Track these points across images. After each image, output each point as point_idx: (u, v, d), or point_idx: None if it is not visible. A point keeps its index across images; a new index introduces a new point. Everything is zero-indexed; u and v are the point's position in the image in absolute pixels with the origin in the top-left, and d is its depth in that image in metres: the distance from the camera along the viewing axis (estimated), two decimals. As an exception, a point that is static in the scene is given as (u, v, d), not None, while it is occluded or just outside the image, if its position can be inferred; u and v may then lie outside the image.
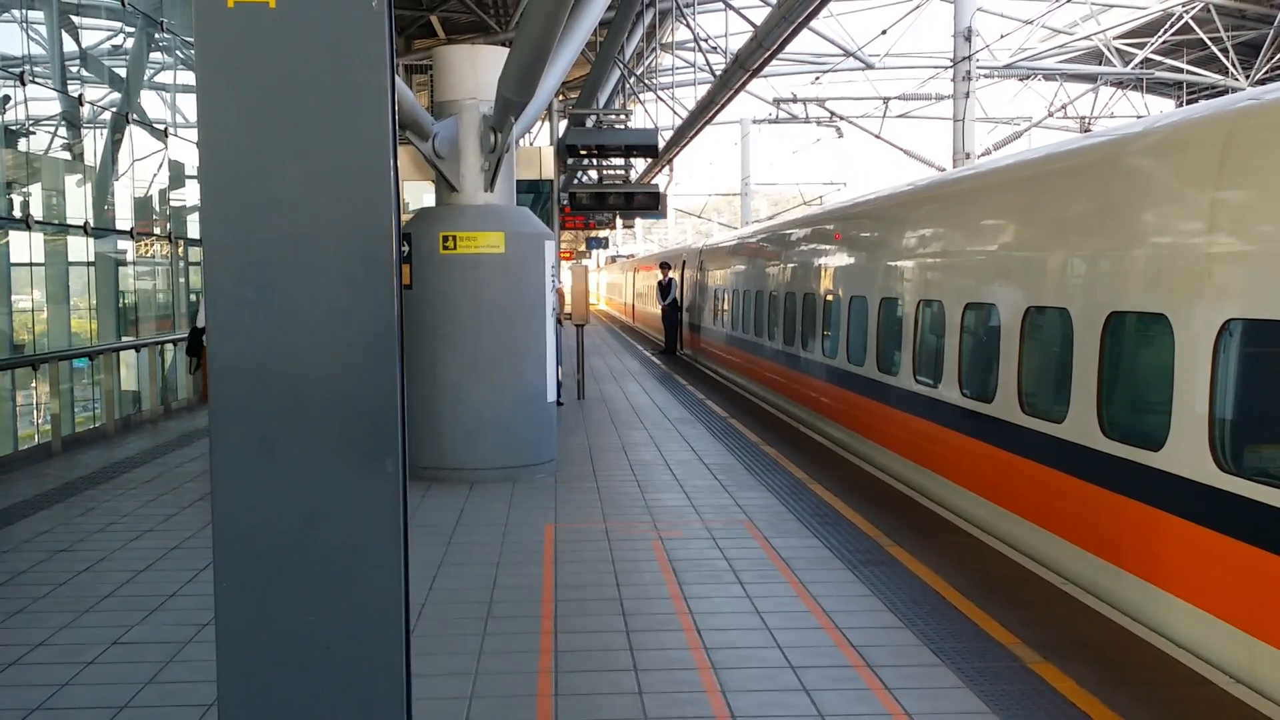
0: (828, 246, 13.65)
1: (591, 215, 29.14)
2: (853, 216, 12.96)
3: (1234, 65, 27.06)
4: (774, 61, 16.26)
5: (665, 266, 27.84)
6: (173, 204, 16.24)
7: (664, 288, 26.98)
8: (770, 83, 30.71)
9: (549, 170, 18.46)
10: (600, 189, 20.72)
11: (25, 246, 11.68)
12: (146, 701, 4.98)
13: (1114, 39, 29.91)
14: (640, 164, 25.36)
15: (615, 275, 56.67)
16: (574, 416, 14.09)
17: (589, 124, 18.85)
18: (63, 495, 9.44)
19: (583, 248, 51.38)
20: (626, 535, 7.92)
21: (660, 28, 21.26)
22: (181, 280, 16.18)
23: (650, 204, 19.84)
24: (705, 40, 20.84)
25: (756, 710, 4.83)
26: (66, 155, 13.17)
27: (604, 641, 5.69)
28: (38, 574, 7.04)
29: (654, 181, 28.71)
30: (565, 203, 19.99)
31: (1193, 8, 26.34)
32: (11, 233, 11.42)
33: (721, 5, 18.96)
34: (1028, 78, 30.94)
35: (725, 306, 21.04)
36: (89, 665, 5.42)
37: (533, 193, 18.00)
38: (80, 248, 12.96)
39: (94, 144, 13.62)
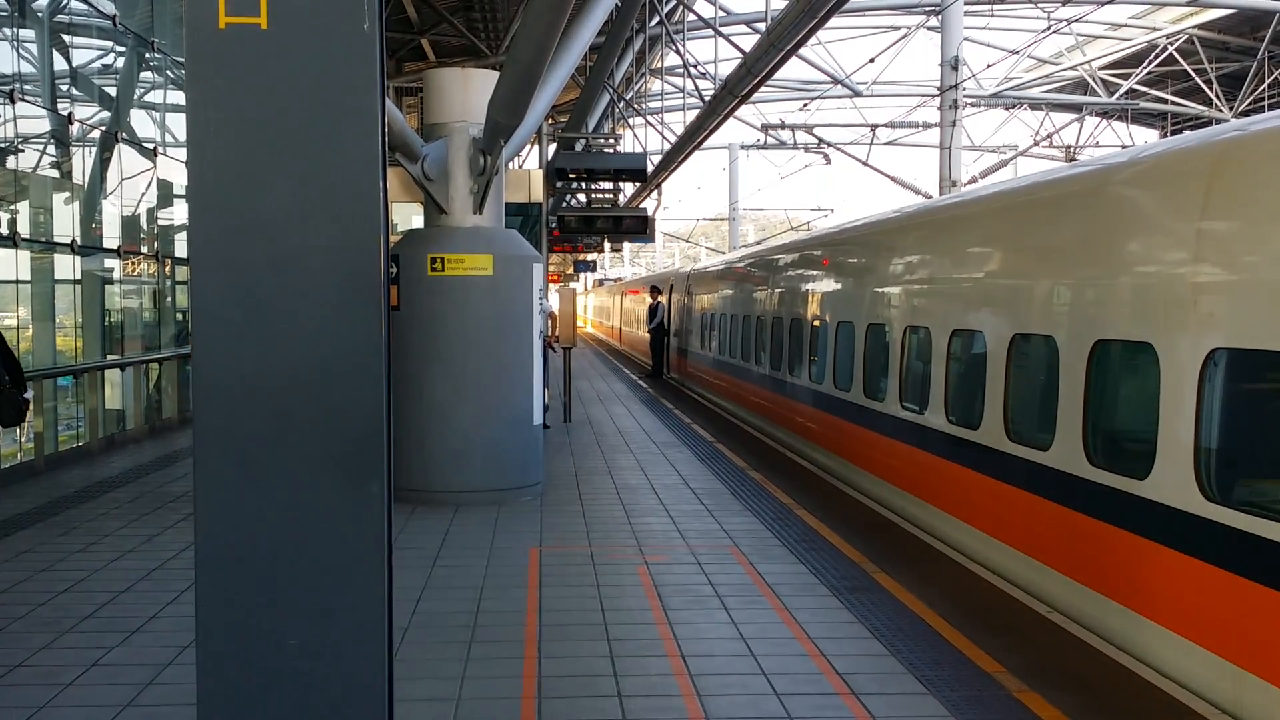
0: (815, 272, 13.69)
1: (579, 238, 29.21)
2: (840, 242, 13.01)
3: (1218, 96, 27.35)
4: (762, 88, 16.35)
5: (655, 290, 27.88)
6: (160, 223, 16.20)
7: (653, 311, 27.06)
8: (758, 109, 30.93)
9: (538, 193, 18.50)
10: (589, 212, 20.78)
11: (12, 264, 11.63)
12: (125, 724, 4.93)
13: (1099, 69, 30.20)
14: (629, 188, 25.43)
15: (603, 299, 56.75)
16: (560, 440, 14.06)
17: (578, 148, 18.92)
18: (44, 514, 9.37)
19: (570, 271, 51.43)
20: (612, 560, 7.90)
21: (650, 53, 21.37)
22: (169, 299, 16.13)
23: (638, 228, 19.89)
24: (694, 66, 20.95)
25: (741, 737, 4.80)
26: (55, 173, 13.14)
27: (588, 667, 5.66)
28: (17, 594, 6.98)
29: (642, 205, 28.79)
30: (554, 226, 20.04)
31: (1177, 39, 26.64)
32: (-2, 250, 11.38)
33: (711, 32, 19.08)
34: (1014, 107, 31.18)
35: (712, 331, 21.06)
36: (68, 687, 5.37)
37: (521, 215, 18.02)
38: (67, 266, 12.91)
39: (83, 162, 13.58)
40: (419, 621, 6.40)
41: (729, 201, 45.84)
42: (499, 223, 10.47)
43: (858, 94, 27.76)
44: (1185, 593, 5.59)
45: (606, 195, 22.99)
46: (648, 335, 27.95)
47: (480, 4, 18.30)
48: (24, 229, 12.05)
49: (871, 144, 27.56)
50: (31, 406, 8.46)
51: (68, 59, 13.50)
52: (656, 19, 18.34)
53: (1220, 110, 27.46)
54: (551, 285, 31.79)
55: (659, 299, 27.22)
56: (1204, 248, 5.67)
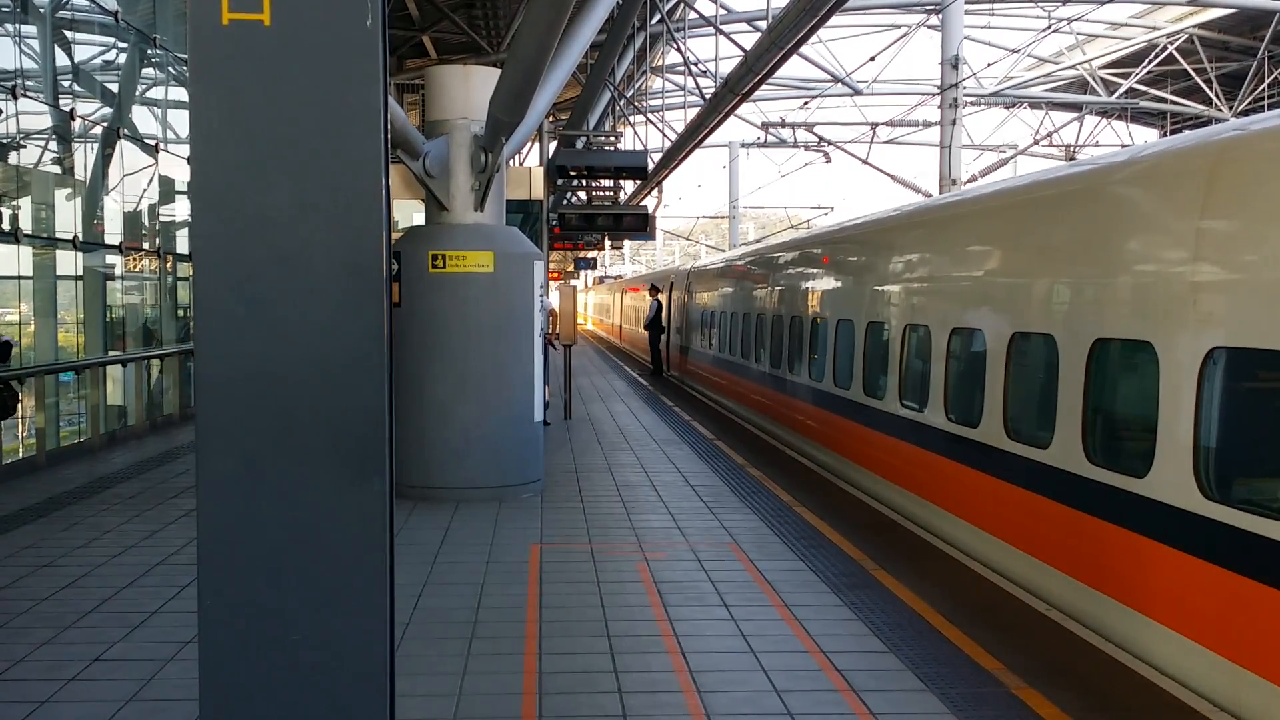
0: (815, 270, 13.70)
1: (580, 236, 29.21)
2: (840, 241, 13.01)
3: (1218, 96, 27.35)
4: (763, 86, 16.35)
5: (654, 289, 27.87)
6: (162, 219, 16.22)
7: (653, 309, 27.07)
8: (759, 107, 30.89)
9: (539, 191, 18.50)
10: (589, 210, 20.76)
11: (14, 260, 11.65)
12: (128, 719, 4.94)
13: (1099, 69, 30.19)
14: (629, 186, 25.44)
15: (603, 296, 56.75)
16: (560, 437, 14.08)
17: (579, 145, 18.92)
18: (46, 510, 9.39)
19: (571, 268, 51.45)
20: (612, 556, 7.91)
21: (651, 51, 21.37)
22: (170, 296, 16.15)
23: (639, 226, 19.88)
24: (695, 64, 20.95)
25: (740, 733, 4.82)
26: (57, 169, 13.15)
27: (588, 663, 5.68)
28: (20, 589, 7.00)
29: (643, 203, 28.79)
30: (554, 223, 20.05)
31: (1177, 39, 26.63)
32: (0, 246, 11.39)
33: (712, 30, 19.08)
34: (1014, 106, 31.18)
35: (713, 329, 21.07)
36: (70, 682, 5.38)
37: (522, 213, 18.02)
38: (69, 262, 12.93)
39: (85, 158, 13.60)
40: (420, 617, 6.42)
41: (729, 199, 45.85)
42: (500, 220, 10.48)
43: (858, 92, 27.76)
44: (1184, 591, 5.61)
45: (607, 193, 22.99)
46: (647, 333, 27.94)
47: (482, 1, 18.32)
48: (26, 225, 12.06)
49: (872, 142, 27.56)
50: (21, 400, 8.50)
51: (70, 55, 13.51)
52: (657, 17, 18.35)
53: (1220, 110, 27.46)
54: (552, 283, 31.81)
55: (658, 297, 27.21)
56: (1203, 247, 5.68)
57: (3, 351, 9.27)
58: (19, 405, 9.36)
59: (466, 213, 10.16)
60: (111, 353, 14.14)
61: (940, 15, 21.61)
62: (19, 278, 11.99)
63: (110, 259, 14.25)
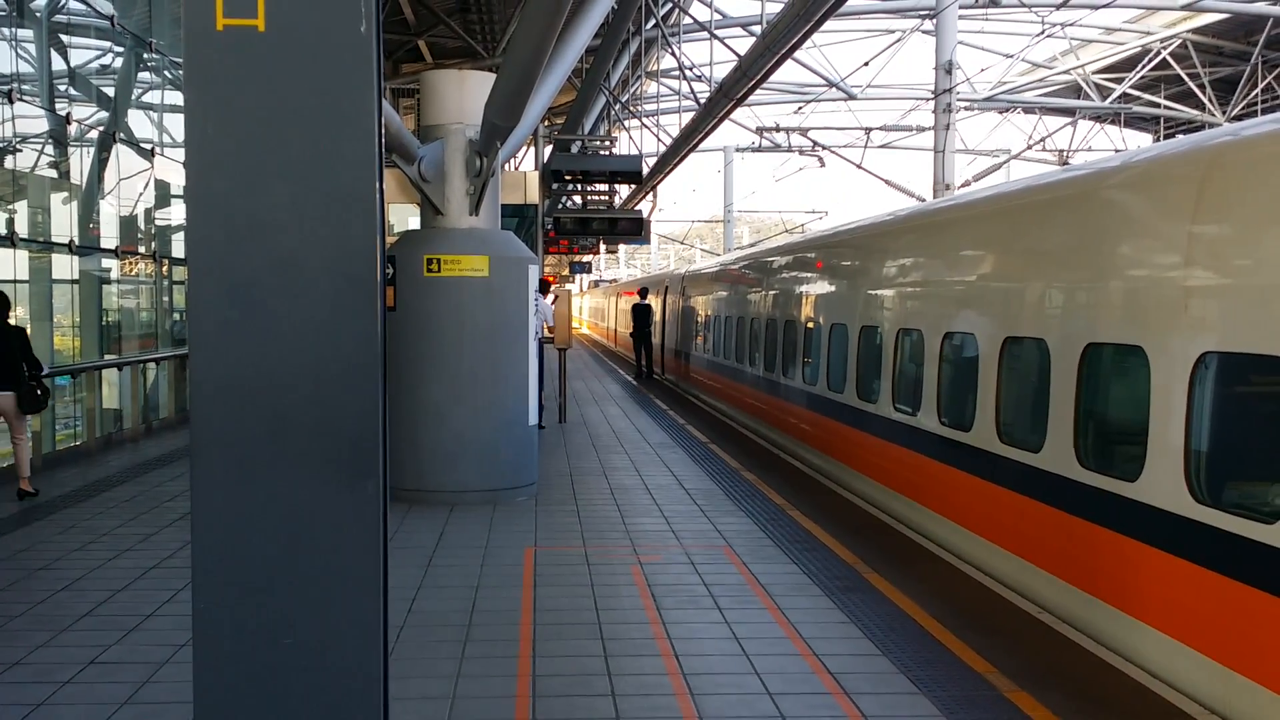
0: (809, 274, 13.73)
1: (575, 240, 29.24)
2: (834, 245, 13.04)
3: (1211, 101, 27.42)
4: (757, 91, 16.39)
5: (644, 292, 27.87)
6: (158, 223, 16.22)
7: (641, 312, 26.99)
8: (754, 111, 30.94)
9: (534, 195, 18.53)
10: (584, 214, 20.82)
11: (10, 264, 11.65)
12: (122, 722, 4.96)
13: (1093, 74, 30.26)
14: (624, 190, 25.47)
15: (598, 300, 56.77)
16: (555, 440, 14.09)
17: (574, 149, 18.95)
18: (42, 513, 9.39)
19: (566, 272, 51.48)
20: (606, 559, 7.93)
21: (646, 55, 21.43)
22: (165, 299, 16.15)
23: (634, 230, 19.94)
24: (690, 69, 20.99)
25: (733, 736, 4.83)
26: (53, 173, 13.15)
27: (582, 666, 5.70)
28: (15, 592, 7.00)
29: (637, 207, 28.82)
30: (549, 227, 20.07)
31: (1171, 44, 26.70)
32: (-4, 250, 11.40)
33: (706, 35, 19.12)
34: (1007, 110, 31.25)
35: (706, 332, 21.09)
36: (65, 685, 5.39)
37: (517, 217, 18.05)
38: (65, 265, 12.93)
39: (80, 162, 13.59)
40: (414, 620, 6.43)
41: (724, 203, 45.88)
42: (495, 224, 10.50)
43: (852, 97, 27.81)
44: (1174, 594, 5.63)
45: (602, 197, 23.03)
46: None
47: (477, 6, 18.34)
48: (22, 229, 12.06)
49: (866, 147, 27.65)
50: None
51: (66, 59, 13.51)
52: (652, 22, 18.39)
53: (1213, 115, 27.53)
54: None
55: (647, 300, 27.13)
56: (1195, 251, 5.71)
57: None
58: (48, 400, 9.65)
59: (461, 217, 10.18)
60: (107, 356, 14.13)
61: (934, 20, 21.65)
62: (15, 281, 11.98)
63: (106, 263, 14.25)
